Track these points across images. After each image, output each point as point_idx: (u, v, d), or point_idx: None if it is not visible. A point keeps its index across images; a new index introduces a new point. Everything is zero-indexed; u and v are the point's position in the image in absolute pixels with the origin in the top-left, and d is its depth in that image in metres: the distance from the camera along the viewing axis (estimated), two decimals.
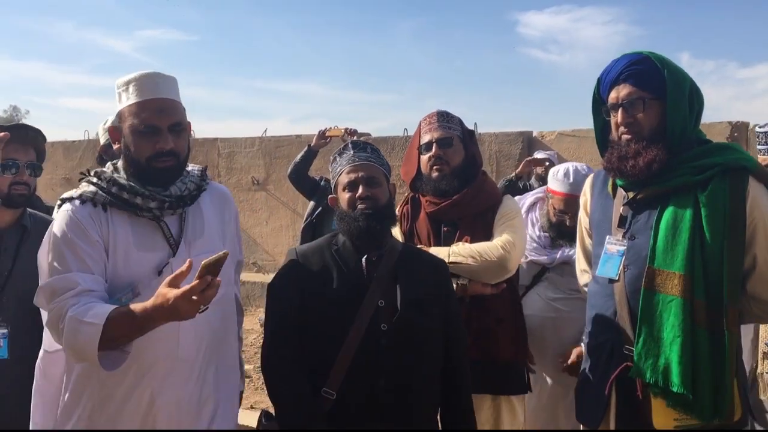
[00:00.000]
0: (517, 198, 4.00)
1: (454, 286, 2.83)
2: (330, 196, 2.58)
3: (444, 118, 3.13)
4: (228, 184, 10.96)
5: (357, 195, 2.44)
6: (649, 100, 2.33)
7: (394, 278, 2.44)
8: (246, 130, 11.08)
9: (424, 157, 3.11)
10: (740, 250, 2.26)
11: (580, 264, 2.80)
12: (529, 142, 9.01)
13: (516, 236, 2.96)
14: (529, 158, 6.30)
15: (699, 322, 2.23)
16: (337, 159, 2.56)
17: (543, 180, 5.80)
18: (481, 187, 3.11)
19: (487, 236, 2.98)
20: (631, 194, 2.43)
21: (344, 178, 2.49)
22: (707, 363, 2.22)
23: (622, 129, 2.39)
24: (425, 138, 3.11)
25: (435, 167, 3.07)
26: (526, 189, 5.87)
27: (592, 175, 2.74)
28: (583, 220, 2.72)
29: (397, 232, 3.09)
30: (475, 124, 9.39)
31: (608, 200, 2.54)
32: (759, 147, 3.11)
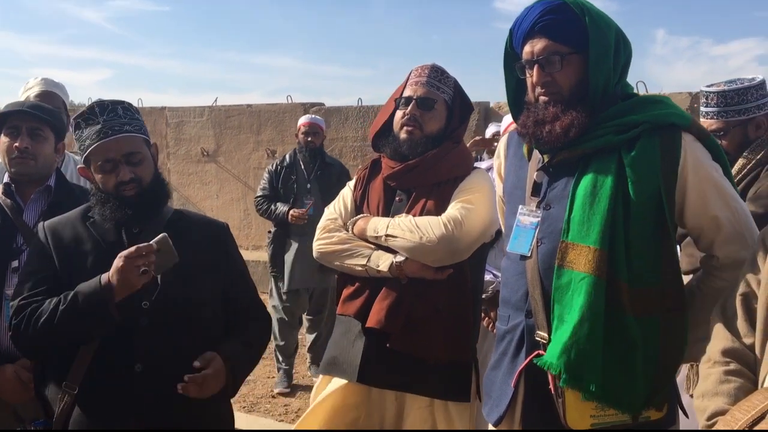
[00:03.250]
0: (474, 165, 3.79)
1: (388, 263, 2.52)
2: (79, 166, 2.33)
3: (436, 75, 2.73)
4: (176, 156, 10.56)
5: (119, 178, 2.22)
6: (569, 55, 2.04)
7: None
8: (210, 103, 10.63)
9: (399, 113, 2.73)
10: (688, 214, 2.02)
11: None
12: (486, 113, 8.76)
13: (469, 214, 2.56)
14: (478, 138, 6.09)
15: (622, 304, 1.97)
16: (83, 127, 2.26)
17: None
18: (445, 154, 2.70)
19: (443, 211, 2.60)
20: (547, 157, 2.13)
21: (98, 155, 2.23)
22: (625, 352, 1.97)
23: (538, 90, 2.09)
24: (407, 91, 2.73)
25: (406, 127, 2.69)
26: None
27: (506, 135, 2.43)
28: (497, 186, 2.41)
29: (348, 198, 2.80)
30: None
31: (523, 164, 2.24)
32: (705, 109, 2.83)
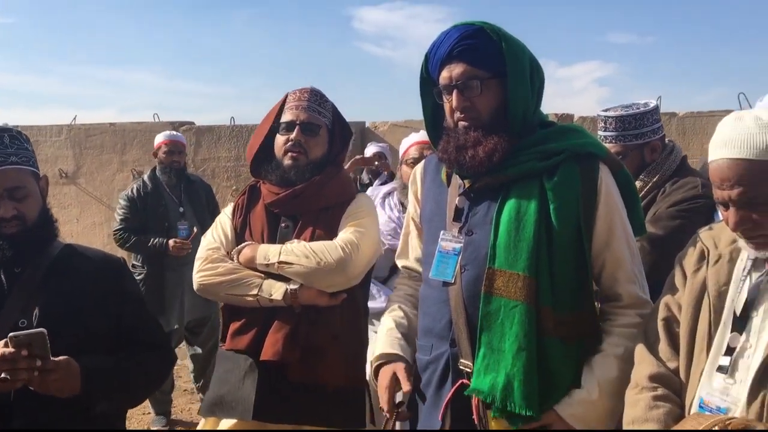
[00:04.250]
0: (369, 189, 3.71)
1: (282, 291, 2.40)
2: None
3: (316, 99, 2.64)
4: None
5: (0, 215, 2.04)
6: (487, 80, 2.02)
7: (44, 289, 2.08)
8: (68, 121, 9.93)
9: (281, 138, 2.61)
10: (593, 244, 2.02)
11: (400, 259, 2.44)
12: (362, 133, 8.76)
13: (363, 238, 2.52)
14: (358, 157, 6.04)
15: (546, 330, 1.96)
16: None
17: (375, 174, 5.58)
18: (329, 179, 2.64)
19: (332, 236, 2.53)
20: (468, 183, 2.09)
21: None
22: (554, 378, 1.96)
23: (458, 114, 2.06)
24: (288, 115, 2.61)
25: (291, 153, 2.58)
26: (356, 184, 5.64)
27: (423, 161, 2.40)
28: (412, 211, 2.35)
29: (227, 225, 2.63)
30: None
31: (442, 189, 2.19)
32: (603, 134, 2.91)
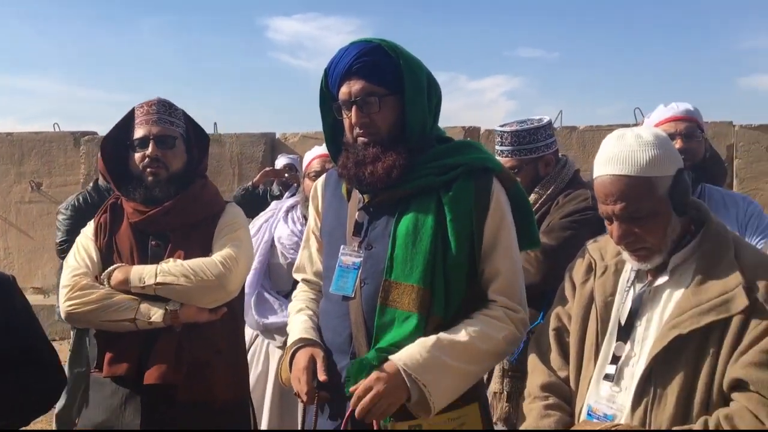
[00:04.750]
0: (274, 203, 3.66)
1: (161, 312, 2.32)
2: None
3: (165, 110, 2.54)
4: None
5: None
6: (385, 97, 2.03)
7: None
8: None
9: (137, 155, 2.51)
10: (482, 255, 2.04)
11: (299, 273, 2.40)
12: (272, 144, 8.68)
13: (240, 251, 2.48)
14: (268, 169, 5.97)
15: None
16: None
17: (285, 186, 5.52)
18: (199, 192, 2.58)
19: (206, 251, 2.48)
20: (367, 197, 2.10)
21: None
22: None
23: (357, 130, 2.07)
24: (140, 131, 2.51)
25: (150, 169, 2.49)
26: (266, 196, 5.56)
27: (325, 175, 2.39)
28: (312, 224, 2.34)
29: (90, 247, 2.49)
30: (215, 123, 8.84)
31: (342, 204, 2.19)
32: (500, 148, 2.98)
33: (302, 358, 2.05)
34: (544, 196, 2.90)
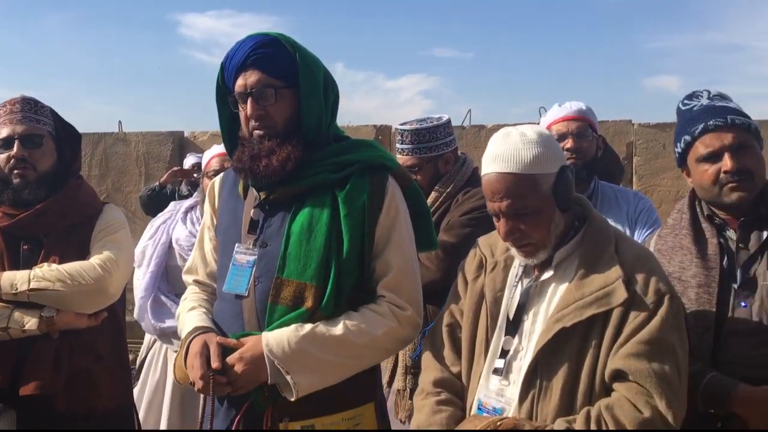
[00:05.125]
0: (172, 204, 3.55)
1: (36, 320, 2.22)
2: None
3: (30, 108, 2.45)
4: None
5: None
6: (282, 89, 2.02)
7: None
8: None
9: (2, 157, 2.41)
10: (374, 252, 2.04)
11: (190, 274, 2.31)
12: (180, 143, 8.46)
13: (120, 254, 2.42)
14: (175, 168, 5.82)
15: None
16: None
17: (194, 186, 5.39)
18: (74, 193, 2.49)
19: (83, 254, 2.39)
20: (263, 194, 2.07)
21: None
22: None
23: (252, 123, 2.04)
24: (3, 131, 2.41)
25: (16, 171, 2.39)
26: (174, 196, 5.42)
27: (222, 173, 2.34)
28: (208, 222, 2.28)
29: None
30: (120, 122, 8.55)
31: (239, 202, 2.15)
32: (400, 146, 2.99)
33: (196, 344, 2.00)
34: (444, 194, 2.93)
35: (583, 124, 3.01)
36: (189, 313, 2.16)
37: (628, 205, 2.94)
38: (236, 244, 2.08)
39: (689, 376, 1.87)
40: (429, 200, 2.93)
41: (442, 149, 2.96)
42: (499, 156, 1.82)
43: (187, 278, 2.32)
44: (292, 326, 1.92)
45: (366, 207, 2.01)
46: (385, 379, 3.01)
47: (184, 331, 2.11)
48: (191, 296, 2.25)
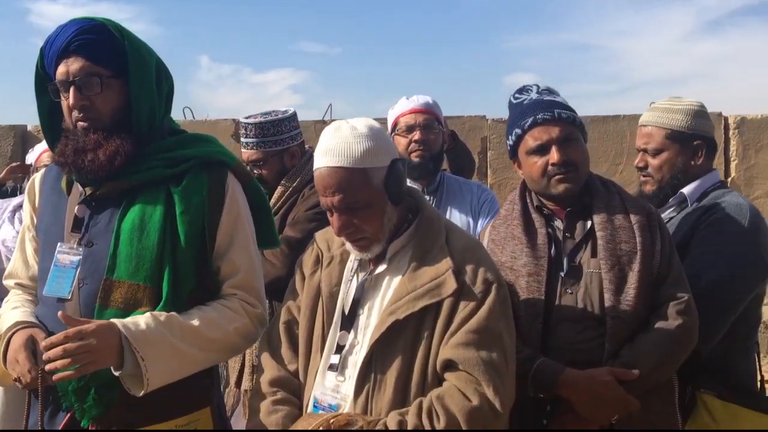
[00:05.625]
0: (1, 201, 3.31)
1: None
2: None
3: None
4: None
5: None
6: (108, 78, 1.89)
7: None
8: None
9: None
10: (214, 251, 1.97)
11: (11, 278, 2.14)
12: (23, 137, 7.92)
13: None
14: (15, 164, 5.44)
15: None
16: None
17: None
18: None
19: None
20: (89, 190, 1.94)
21: None
22: None
23: (76, 114, 1.90)
24: None
25: None
26: (15, 193, 5.07)
27: (44, 169, 2.18)
28: (28, 222, 2.12)
29: None
30: None
31: (62, 198, 2.01)
32: (245, 140, 2.92)
33: (18, 338, 1.86)
34: (291, 189, 2.89)
35: (431, 117, 3.06)
36: (11, 312, 2.01)
37: (471, 197, 3.02)
38: (58, 244, 1.94)
39: (521, 362, 1.94)
40: (275, 195, 2.89)
41: (287, 143, 2.91)
42: (330, 150, 1.79)
43: (8, 282, 2.15)
44: (147, 313, 1.81)
45: (205, 205, 1.93)
46: (233, 380, 2.94)
47: (3, 327, 1.96)
48: (14, 298, 2.09)
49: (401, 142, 3.01)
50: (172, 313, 1.84)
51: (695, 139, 2.42)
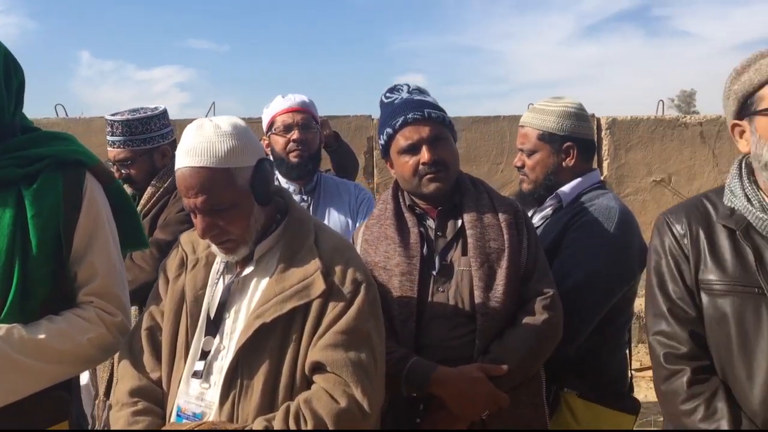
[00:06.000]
0: None
1: None
2: None
3: None
4: None
5: None
6: None
7: None
8: None
9: None
10: (71, 256, 1.86)
11: None
12: None
13: None
14: None
15: None
16: None
17: None
18: None
19: None
20: None
21: None
22: None
23: None
24: None
25: None
26: None
27: None
28: None
29: None
30: None
31: None
32: (111, 138, 2.78)
33: None
34: (161, 189, 2.78)
35: (308, 116, 3.02)
36: None
37: (349, 197, 3.00)
38: None
39: (394, 362, 1.94)
40: (144, 196, 2.78)
41: (157, 141, 2.80)
42: (192, 149, 1.73)
43: None
44: None
45: (60, 207, 1.82)
46: (101, 391, 2.80)
47: None
48: None
49: (279, 141, 2.96)
50: (14, 325, 1.72)
51: (566, 141, 2.48)
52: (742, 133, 1.69)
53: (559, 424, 2.29)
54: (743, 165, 1.74)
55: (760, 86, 1.62)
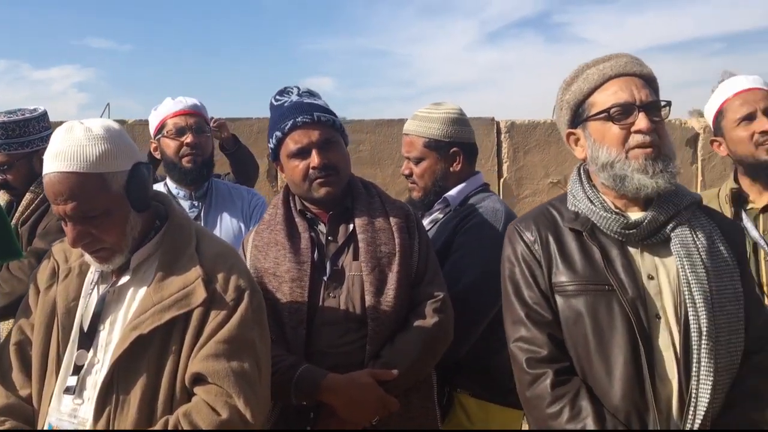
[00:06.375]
0: None
1: None
2: None
3: None
4: None
5: None
6: None
7: None
8: None
9: None
10: None
11: None
12: None
13: None
14: None
15: None
16: None
17: None
18: None
19: None
20: None
21: None
22: None
23: None
24: None
25: None
26: None
27: None
28: None
29: None
30: None
31: None
32: None
33: None
34: (41, 195, 2.63)
35: (201, 119, 2.94)
36: None
37: (242, 202, 2.94)
38: None
39: (284, 370, 1.90)
40: (23, 202, 2.63)
41: (36, 145, 2.66)
42: (61, 153, 1.63)
43: None
44: None
45: None
46: None
47: None
48: None
49: (170, 145, 2.86)
50: None
51: (452, 147, 2.50)
52: (576, 141, 1.79)
53: (454, 425, 2.30)
54: (581, 171, 1.83)
55: (590, 93, 1.73)
